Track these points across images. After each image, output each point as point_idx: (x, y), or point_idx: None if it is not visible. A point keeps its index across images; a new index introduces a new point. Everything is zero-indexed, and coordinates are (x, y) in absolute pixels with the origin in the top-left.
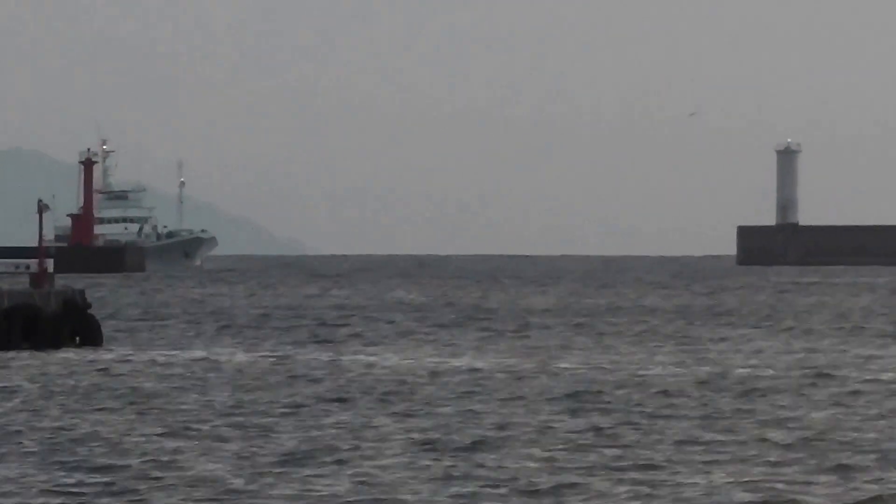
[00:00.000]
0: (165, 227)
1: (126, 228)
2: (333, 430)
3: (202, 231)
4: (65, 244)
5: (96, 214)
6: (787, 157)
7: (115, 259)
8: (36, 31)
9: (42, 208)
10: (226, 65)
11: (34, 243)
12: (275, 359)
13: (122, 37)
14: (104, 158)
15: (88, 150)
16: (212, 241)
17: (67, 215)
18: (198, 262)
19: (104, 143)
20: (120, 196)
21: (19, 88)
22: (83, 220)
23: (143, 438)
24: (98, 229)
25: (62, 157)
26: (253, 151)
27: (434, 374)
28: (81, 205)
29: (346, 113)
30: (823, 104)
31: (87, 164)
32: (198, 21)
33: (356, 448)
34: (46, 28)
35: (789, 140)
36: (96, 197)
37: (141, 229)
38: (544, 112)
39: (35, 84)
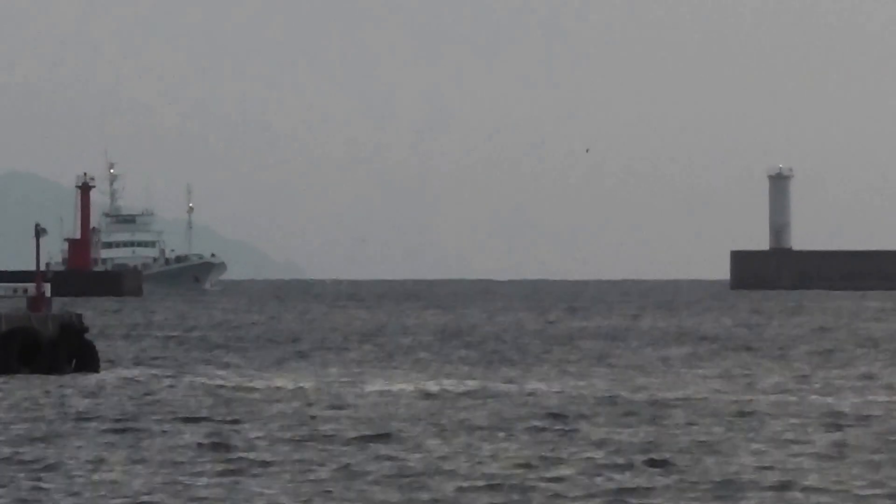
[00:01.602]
0: (173, 251)
1: (134, 252)
2: None
3: (212, 255)
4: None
5: (104, 239)
6: (779, 183)
7: (113, 283)
8: (33, 52)
9: (39, 232)
10: (226, 89)
11: (32, 267)
12: None
13: (121, 61)
14: (111, 182)
15: (85, 174)
16: (221, 266)
17: (65, 239)
18: (207, 287)
19: (111, 166)
20: (128, 220)
21: (17, 110)
22: (80, 243)
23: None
24: (105, 253)
25: (60, 181)
26: (250, 175)
27: None
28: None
29: (344, 135)
30: (815, 129)
31: (84, 189)
32: (190, 44)
33: None
34: (44, 49)
35: (781, 165)
36: (104, 220)
37: (162, 253)
38: (537, 136)
39: (32, 106)
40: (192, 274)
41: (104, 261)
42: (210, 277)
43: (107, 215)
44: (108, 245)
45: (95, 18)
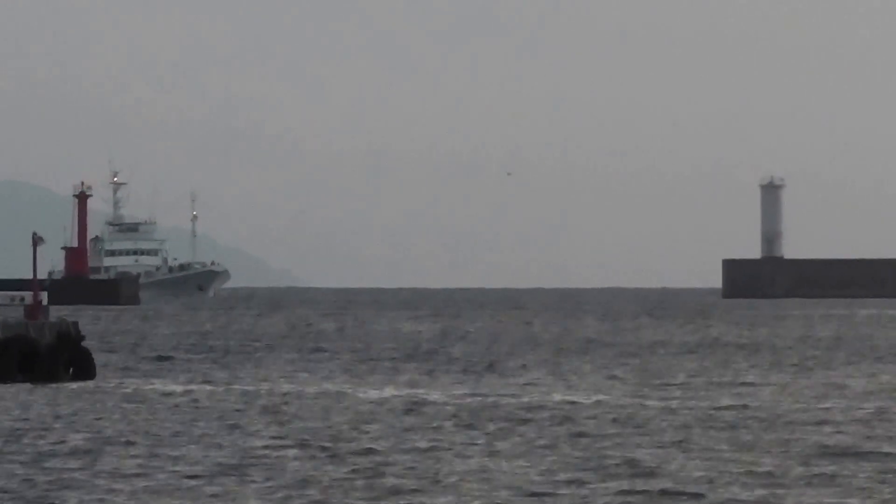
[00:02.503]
0: (175, 259)
1: (137, 261)
2: None
3: (214, 264)
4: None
5: (107, 247)
6: (771, 192)
7: (110, 291)
8: (35, 61)
9: (36, 241)
10: (216, 96)
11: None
12: None
13: (117, 71)
14: (115, 190)
15: (83, 183)
16: (224, 275)
17: (62, 248)
18: (210, 295)
19: (115, 175)
20: (131, 228)
21: (16, 120)
22: (78, 252)
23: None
24: (109, 261)
25: (60, 190)
26: (245, 183)
27: None
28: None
29: (338, 145)
30: (807, 139)
31: (82, 198)
32: (182, 52)
33: None
34: (43, 58)
35: (773, 175)
36: (107, 229)
37: (166, 261)
38: (530, 146)
39: (32, 116)
40: (195, 282)
41: (107, 269)
42: (213, 286)
43: (110, 224)
44: (112, 253)
45: (92, 28)
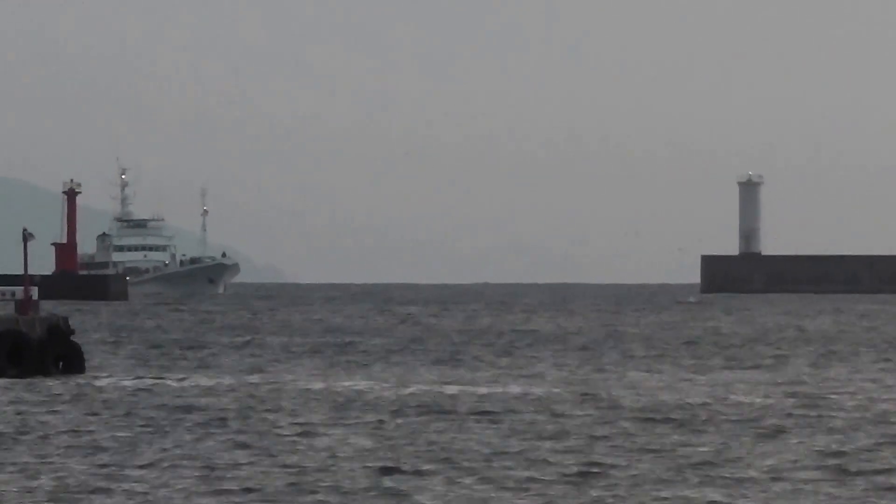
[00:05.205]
0: (184, 255)
1: (145, 256)
2: None
3: (224, 257)
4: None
5: (115, 243)
6: (749, 189)
7: (99, 287)
8: (25, 61)
9: (26, 237)
10: (201, 93)
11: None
12: None
13: (104, 68)
14: (123, 188)
15: (72, 180)
16: (235, 268)
17: (52, 244)
18: (221, 289)
19: (123, 172)
20: (139, 225)
21: (6, 117)
22: (67, 248)
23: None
24: (117, 257)
25: (49, 187)
26: (233, 179)
27: None
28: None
29: (328, 142)
30: (785, 137)
31: (70, 194)
32: (160, 47)
33: None
34: (37, 58)
35: (751, 172)
36: (116, 225)
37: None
38: (510, 142)
39: (23, 113)
40: (206, 275)
41: (115, 264)
42: (224, 279)
43: (118, 220)
44: (120, 249)
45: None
